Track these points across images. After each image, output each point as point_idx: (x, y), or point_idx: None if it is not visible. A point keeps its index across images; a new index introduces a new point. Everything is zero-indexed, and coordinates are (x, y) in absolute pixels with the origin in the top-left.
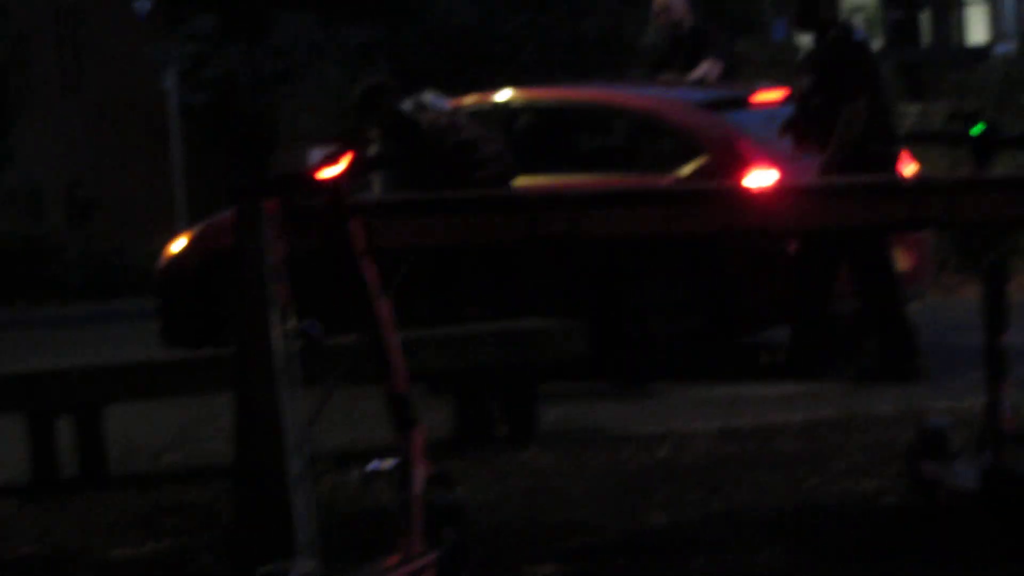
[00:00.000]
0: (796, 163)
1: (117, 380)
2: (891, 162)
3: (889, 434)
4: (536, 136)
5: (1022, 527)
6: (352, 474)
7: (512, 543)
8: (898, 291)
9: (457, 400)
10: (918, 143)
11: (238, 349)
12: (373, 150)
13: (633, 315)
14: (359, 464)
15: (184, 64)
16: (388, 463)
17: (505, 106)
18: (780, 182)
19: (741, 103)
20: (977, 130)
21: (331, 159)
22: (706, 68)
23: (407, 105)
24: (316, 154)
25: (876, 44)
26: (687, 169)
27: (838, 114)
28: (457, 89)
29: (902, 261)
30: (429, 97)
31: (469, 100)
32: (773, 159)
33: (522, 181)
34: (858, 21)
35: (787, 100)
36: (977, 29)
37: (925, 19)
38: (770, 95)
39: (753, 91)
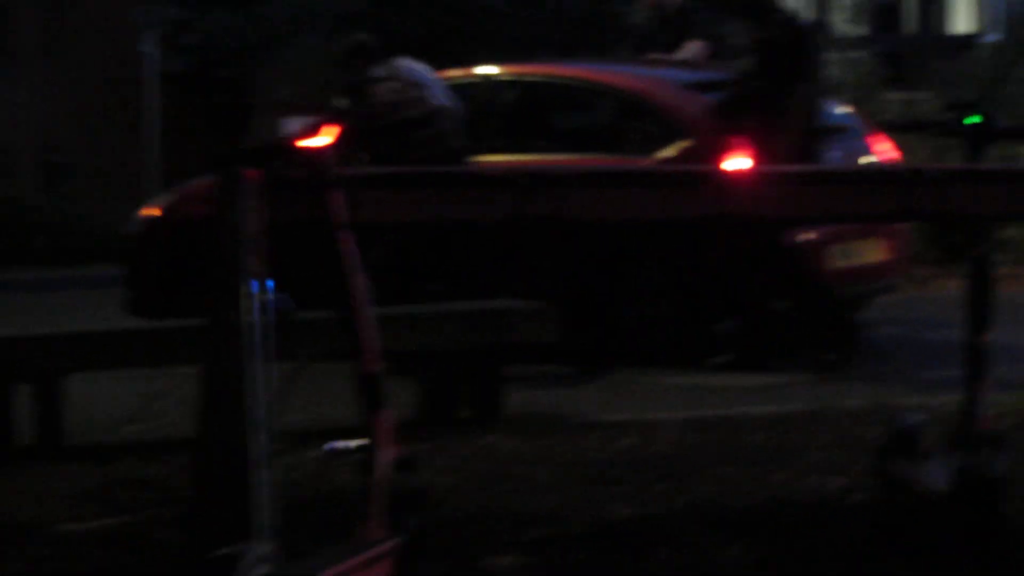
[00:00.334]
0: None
1: (77, 349)
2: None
3: (858, 430)
4: (519, 113)
5: (994, 530)
6: (312, 453)
7: (473, 532)
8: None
9: (421, 381)
10: (911, 132)
11: (209, 320)
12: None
13: (604, 300)
14: (320, 443)
15: (166, 28)
16: (350, 444)
17: (488, 81)
18: (769, 167)
19: (728, 85)
20: (972, 120)
21: (314, 129)
22: (693, 49)
23: (379, 70)
24: (290, 123)
25: (860, 31)
26: (671, 151)
27: (778, 99)
28: (442, 63)
29: (876, 252)
30: (403, 64)
31: (454, 74)
32: (751, 145)
33: (502, 159)
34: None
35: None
36: (961, 18)
37: (909, 7)
38: None
39: None
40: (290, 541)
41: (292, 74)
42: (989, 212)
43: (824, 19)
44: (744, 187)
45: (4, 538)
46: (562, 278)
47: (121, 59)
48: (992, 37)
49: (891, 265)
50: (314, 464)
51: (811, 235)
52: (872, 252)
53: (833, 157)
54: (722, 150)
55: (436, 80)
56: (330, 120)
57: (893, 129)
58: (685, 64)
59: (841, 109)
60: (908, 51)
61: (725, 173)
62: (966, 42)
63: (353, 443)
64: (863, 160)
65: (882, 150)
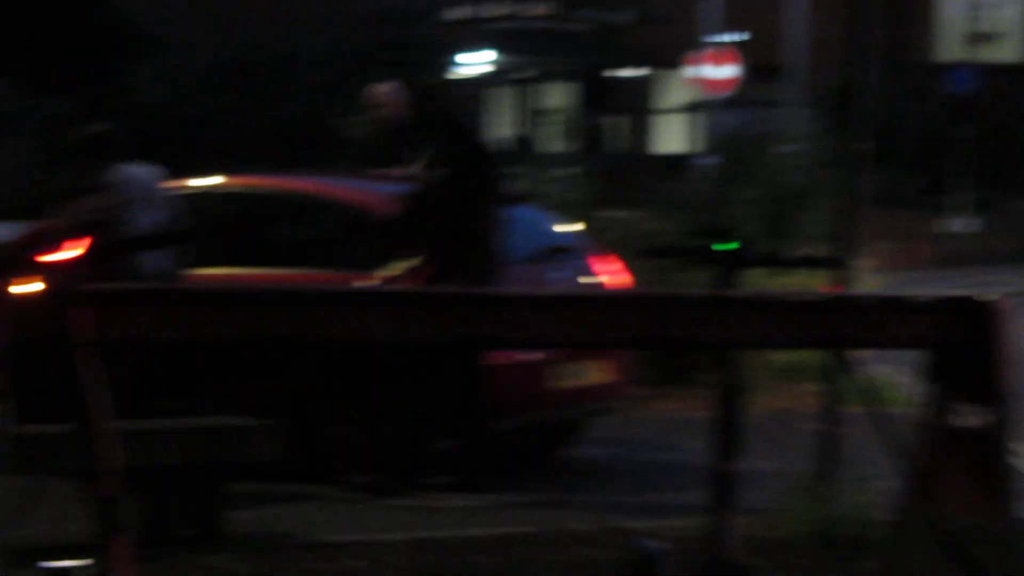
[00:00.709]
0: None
1: None
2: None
3: (587, 553)
4: (245, 225)
5: None
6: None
7: None
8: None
9: (142, 498)
10: (662, 257)
11: None
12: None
13: (327, 419)
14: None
15: None
16: (68, 564)
17: (216, 192)
18: (525, 291)
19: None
20: (729, 247)
21: (54, 240)
22: (418, 165)
23: (110, 173)
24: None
25: (573, 147)
26: (398, 268)
27: (462, 215)
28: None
29: (599, 373)
30: (130, 172)
31: (190, 183)
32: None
33: (224, 272)
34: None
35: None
36: (668, 140)
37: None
38: None
39: None
40: None
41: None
42: (741, 340)
43: (530, 136)
44: (496, 309)
45: None
46: (285, 396)
47: None
48: (706, 160)
49: (612, 386)
50: None
51: (536, 354)
52: (594, 372)
53: (559, 277)
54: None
55: (156, 192)
56: (76, 233)
57: (648, 255)
58: (408, 179)
59: (566, 228)
60: (618, 170)
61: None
62: (679, 162)
63: (72, 563)
64: (586, 280)
65: (609, 270)
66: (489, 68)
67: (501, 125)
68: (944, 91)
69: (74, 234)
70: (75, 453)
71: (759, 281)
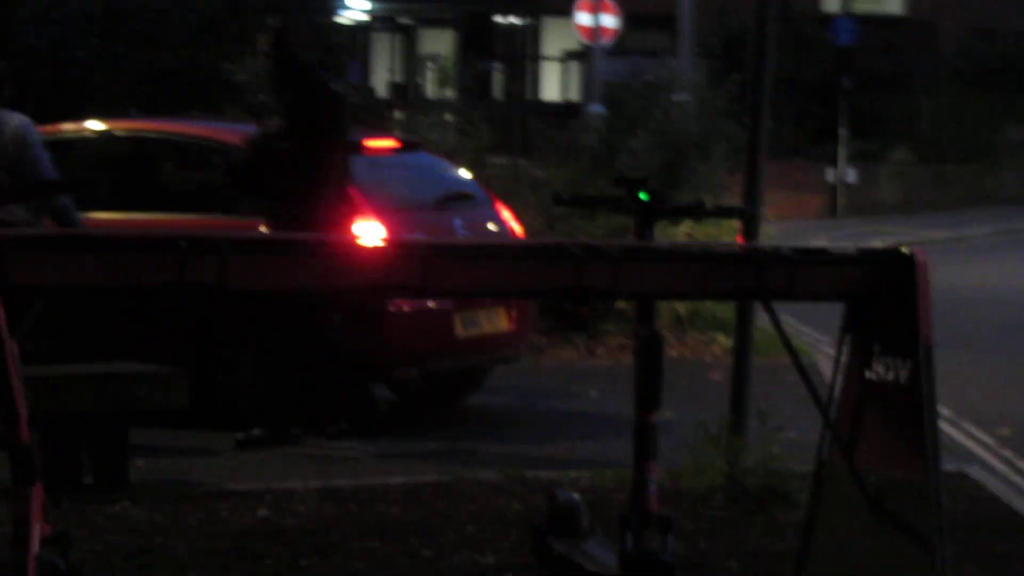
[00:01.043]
0: (404, 214)
1: None
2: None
3: (497, 502)
4: (131, 170)
5: None
6: None
7: None
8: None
9: (45, 445)
10: (573, 206)
11: None
12: None
13: (225, 366)
14: None
15: None
16: None
17: (100, 136)
18: (452, 242)
19: (354, 148)
20: (644, 197)
21: None
22: None
23: None
24: None
25: (449, 96)
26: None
27: (309, 163)
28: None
29: (501, 321)
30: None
31: (66, 127)
32: (381, 209)
33: (112, 217)
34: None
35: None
36: (550, 87)
37: (498, 74)
38: (383, 142)
39: (365, 136)
40: None
41: None
42: (663, 291)
43: (406, 83)
44: (409, 260)
45: None
46: (190, 343)
47: None
48: (596, 107)
49: (514, 334)
50: None
51: (440, 303)
52: (496, 321)
53: (459, 225)
54: (346, 215)
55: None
56: None
57: (560, 203)
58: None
59: (463, 174)
60: (504, 117)
61: (397, 245)
62: (566, 111)
63: None
64: (491, 227)
65: (504, 218)
66: (370, 13)
67: (384, 71)
68: (829, 42)
69: None
70: None
71: (662, 232)
